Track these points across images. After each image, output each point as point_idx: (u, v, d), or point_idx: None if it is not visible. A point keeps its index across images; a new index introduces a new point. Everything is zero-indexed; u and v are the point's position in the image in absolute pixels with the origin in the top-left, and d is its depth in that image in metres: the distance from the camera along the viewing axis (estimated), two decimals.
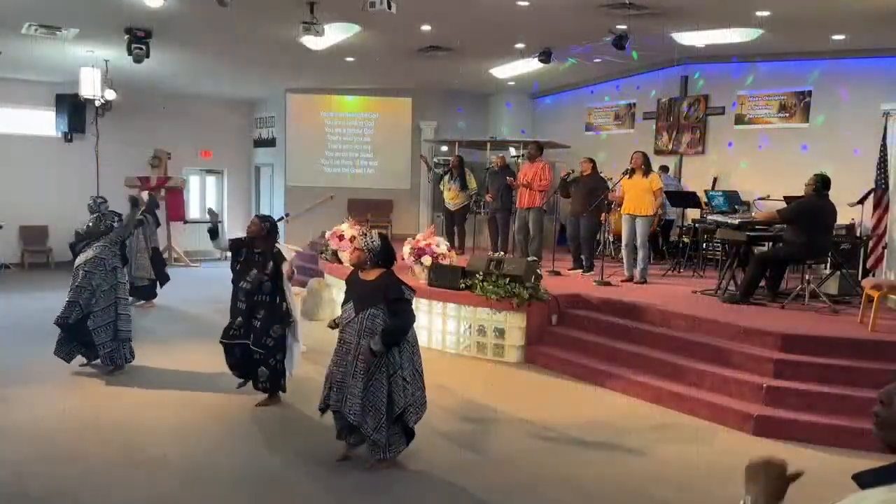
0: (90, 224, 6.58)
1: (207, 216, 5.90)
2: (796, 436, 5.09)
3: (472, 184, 11.12)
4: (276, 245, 5.68)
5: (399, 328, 4.31)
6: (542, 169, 9.56)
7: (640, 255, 8.45)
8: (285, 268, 5.71)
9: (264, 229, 5.57)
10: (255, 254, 5.55)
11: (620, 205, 8.66)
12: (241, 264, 5.59)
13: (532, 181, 9.48)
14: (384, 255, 4.45)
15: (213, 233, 5.80)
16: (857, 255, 8.53)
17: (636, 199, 8.34)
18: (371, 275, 4.41)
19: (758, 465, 1.67)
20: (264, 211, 15.30)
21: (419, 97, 14.02)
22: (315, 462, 4.59)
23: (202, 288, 11.12)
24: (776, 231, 7.46)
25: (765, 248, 7.80)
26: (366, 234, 4.50)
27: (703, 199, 9.95)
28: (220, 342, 5.61)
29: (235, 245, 5.71)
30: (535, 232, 9.69)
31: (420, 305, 7.74)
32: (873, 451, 4.82)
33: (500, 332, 7.31)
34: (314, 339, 7.77)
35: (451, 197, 11.08)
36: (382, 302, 4.29)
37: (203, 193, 16.12)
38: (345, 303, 4.48)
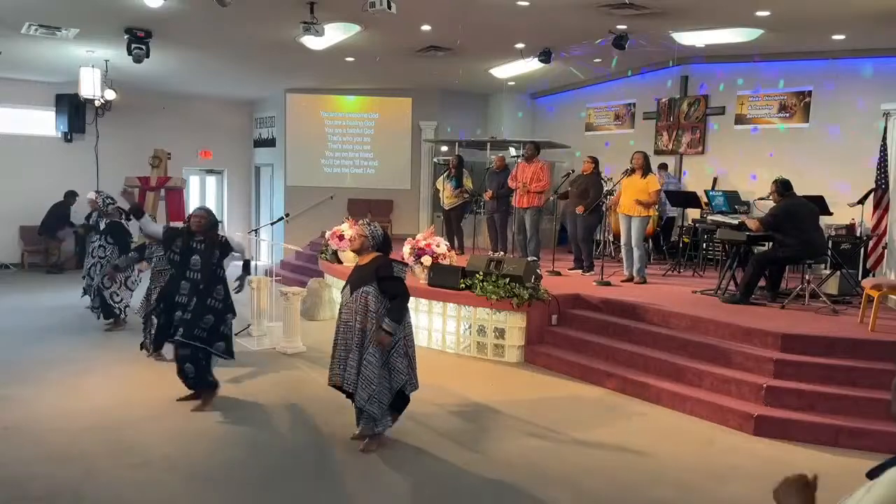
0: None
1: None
2: (796, 436, 5.10)
3: (468, 183, 11.01)
4: (223, 235, 5.67)
5: (399, 304, 4.59)
6: (539, 169, 9.56)
7: (635, 255, 8.44)
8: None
9: (207, 221, 5.46)
10: (196, 242, 5.43)
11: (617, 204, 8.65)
12: (180, 255, 5.44)
13: (529, 183, 9.47)
14: (383, 242, 4.77)
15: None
16: (857, 255, 8.54)
17: (632, 199, 8.33)
18: (366, 259, 4.71)
19: (784, 488, 1.68)
20: (264, 211, 15.36)
21: (419, 97, 14.02)
22: (316, 458, 4.59)
23: None
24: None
25: (764, 248, 7.80)
26: (369, 223, 4.79)
27: (704, 199, 9.97)
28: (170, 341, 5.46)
29: (171, 234, 5.57)
30: (531, 232, 9.68)
31: (420, 305, 7.75)
32: (873, 451, 4.83)
33: (500, 332, 7.31)
34: (313, 339, 7.79)
35: (447, 196, 11.06)
36: (374, 281, 4.56)
37: (203, 193, 16.13)
38: (343, 287, 4.77)
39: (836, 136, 10.00)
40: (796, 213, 7.00)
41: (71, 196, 13.06)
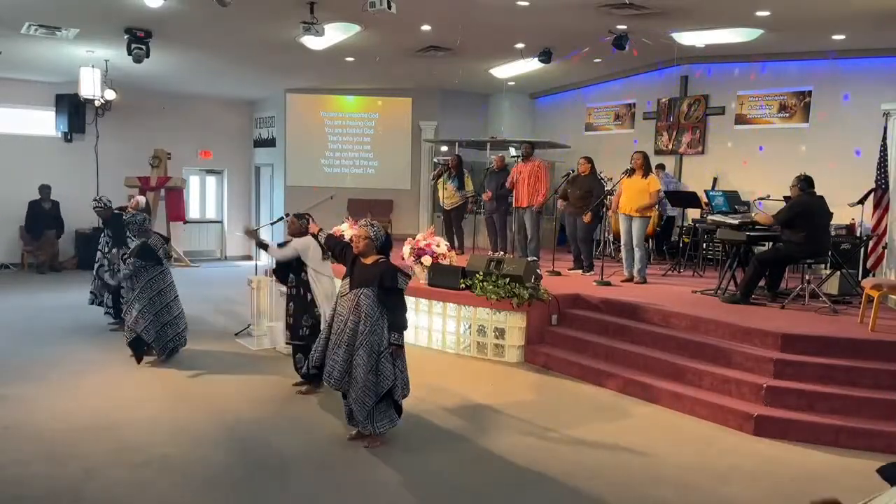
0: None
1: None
2: (796, 436, 5.10)
3: (470, 186, 11.04)
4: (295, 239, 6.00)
5: (400, 315, 4.70)
6: (537, 168, 9.56)
7: (637, 255, 8.44)
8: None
9: (303, 227, 6.01)
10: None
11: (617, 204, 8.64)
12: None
13: (534, 189, 9.49)
14: (385, 243, 4.84)
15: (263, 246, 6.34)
16: (857, 255, 8.54)
17: (633, 199, 8.32)
18: (369, 259, 4.75)
19: None
20: (264, 211, 15.35)
21: (419, 97, 14.02)
22: (315, 458, 4.59)
23: (202, 288, 11.13)
24: (776, 231, 7.47)
25: (764, 248, 7.80)
26: (373, 225, 4.83)
27: (704, 199, 9.96)
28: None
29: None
30: (532, 232, 9.68)
31: (420, 305, 7.75)
32: (873, 451, 4.83)
33: (500, 332, 7.30)
34: None
35: (447, 196, 11.06)
36: (375, 286, 4.62)
37: (203, 193, 16.13)
38: (344, 277, 4.84)
39: (835, 136, 9.99)
40: (812, 210, 7.00)
41: (45, 190, 12.96)
